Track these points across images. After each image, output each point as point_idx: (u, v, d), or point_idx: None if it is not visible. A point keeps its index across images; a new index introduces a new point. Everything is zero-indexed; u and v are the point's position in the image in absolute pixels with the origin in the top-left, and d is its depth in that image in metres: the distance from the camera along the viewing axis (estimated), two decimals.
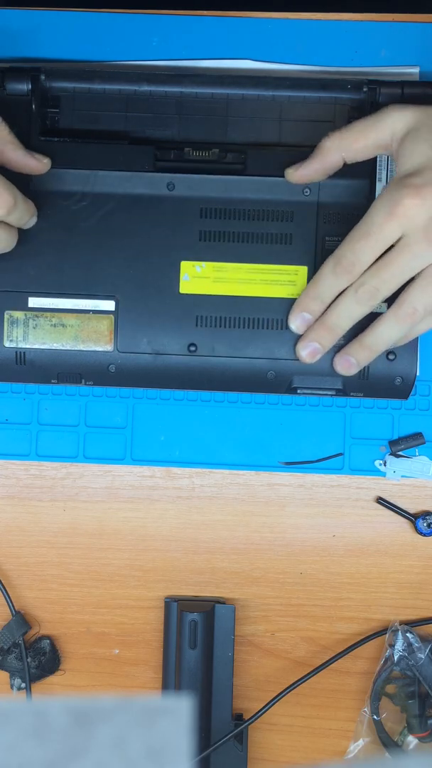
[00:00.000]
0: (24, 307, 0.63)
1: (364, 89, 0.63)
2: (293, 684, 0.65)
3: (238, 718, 0.66)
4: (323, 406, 0.67)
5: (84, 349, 0.63)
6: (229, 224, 0.63)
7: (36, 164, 0.60)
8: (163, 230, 0.63)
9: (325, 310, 0.59)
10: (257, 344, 0.62)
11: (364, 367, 0.62)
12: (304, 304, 0.60)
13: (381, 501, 0.67)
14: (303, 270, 0.62)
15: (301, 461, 0.67)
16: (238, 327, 0.63)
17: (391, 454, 0.67)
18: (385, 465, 0.67)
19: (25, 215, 0.59)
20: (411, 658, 0.65)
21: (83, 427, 0.68)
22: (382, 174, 0.62)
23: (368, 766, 0.34)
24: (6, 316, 0.63)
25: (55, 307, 0.63)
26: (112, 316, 0.63)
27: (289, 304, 0.62)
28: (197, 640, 0.64)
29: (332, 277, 0.57)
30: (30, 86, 0.63)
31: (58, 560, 0.68)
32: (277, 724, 0.67)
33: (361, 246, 0.56)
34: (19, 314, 0.63)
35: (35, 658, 0.67)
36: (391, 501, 0.67)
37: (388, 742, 0.66)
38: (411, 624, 0.66)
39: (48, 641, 0.67)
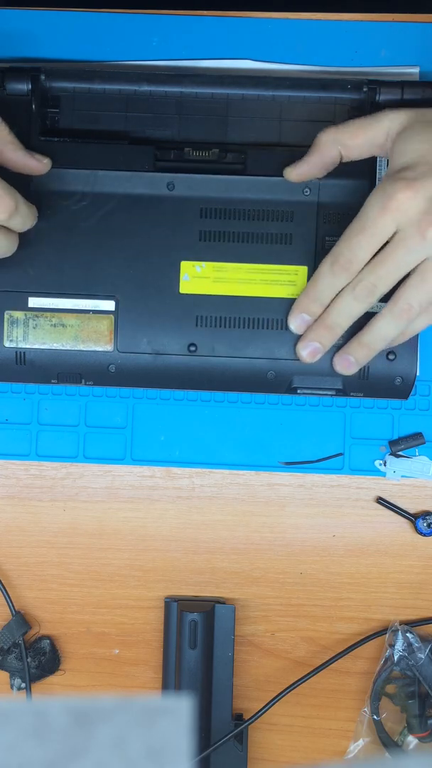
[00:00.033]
0: (24, 307, 0.63)
1: (364, 89, 0.63)
2: (293, 684, 0.65)
3: (238, 718, 0.66)
4: (323, 406, 0.67)
5: (84, 349, 0.63)
6: (229, 224, 0.63)
7: (36, 165, 0.60)
8: (163, 230, 0.63)
9: (325, 309, 0.59)
10: (257, 344, 0.62)
11: (364, 367, 0.62)
12: (303, 305, 0.60)
13: (381, 501, 0.67)
14: (303, 270, 0.62)
15: (301, 461, 0.67)
16: (238, 327, 0.63)
17: (391, 454, 0.67)
18: (385, 465, 0.67)
19: (27, 220, 0.59)
20: (411, 658, 0.65)
21: (83, 427, 0.68)
22: (381, 174, 0.62)
23: (368, 766, 0.34)
24: (6, 316, 0.63)
25: (55, 307, 0.63)
26: (112, 316, 0.63)
27: (289, 304, 0.62)
28: (197, 640, 0.64)
29: (330, 276, 0.57)
30: (30, 86, 0.63)
31: (58, 560, 0.68)
32: (277, 724, 0.67)
33: (357, 242, 0.56)
34: (19, 314, 0.63)
35: (35, 658, 0.67)
36: (391, 501, 0.67)
37: (388, 742, 0.66)
38: (411, 624, 0.66)
39: (48, 641, 0.67)
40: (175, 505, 0.68)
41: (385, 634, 0.66)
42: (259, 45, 0.67)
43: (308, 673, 0.65)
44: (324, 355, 0.61)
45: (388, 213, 0.54)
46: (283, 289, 0.62)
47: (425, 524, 0.67)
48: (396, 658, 0.65)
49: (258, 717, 0.65)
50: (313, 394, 0.64)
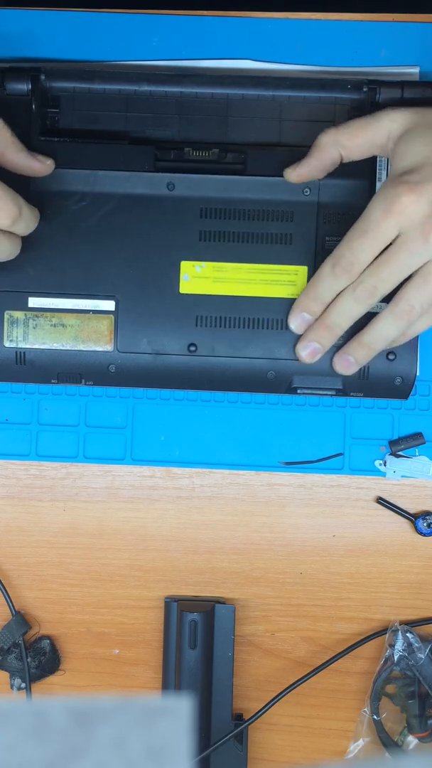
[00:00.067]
0: (24, 307, 0.63)
1: (364, 89, 0.63)
2: (293, 684, 0.65)
3: (238, 718, 0.66)
4: (323, 406, 0.67)
5: (84, 349, 0.63)
6: (229, 224, 0.63)
7: (39, 166, 0.60)
8: (163, 230, 0.63)
9: (325, 310, 0.59)
10: (257, 344, 0.63)
11: (364, 367, 0.62)
12: (303, 305, 0.60)
13: (381, 501, 0.67)
14: (303, 270, 0.62)
15: (301, 461, 0.67)
16: (238, 327, 0.63)
17: (391, 454, 0.67)
18: (385, 465, 0.67)
19: (30, 224, 0.59)
20: (411, 658, 0.65)
21: (83, 427, 0.68)
22: (381, 174, 0.62)
23: (368, 766, 0.34)
24: (6, 316, 0.63)
25: (55, 307, 0.63)
26: (112, 316, 0.63)
27: (289, 304, 0.62)
28: (197, 640, 0.64)
29: (331, 277, 0.57)
30: (30, 86, 0.63)
31: (58, 560, 0.68)
32: (277, 724, 0.67)
33: (359, 244, 0.56)
34: (19, 314, 0.63)
35: (35, 658, 0.67)
36: (391, 501, 0.67)
37: (388, 742, 0.66)
38: (411, 624, 0.66)
39: (48, 641, 0.67)
40: (175, 505, 0.68)
41: (385, 634, 0.66)
42: (259, 45, 0.67)
43: (308, 673, 0.65)
44: (324, 355, 0.61)
45: (391, 216, 0.54)
46: (283, 289, 0.62)
47: (425, 524, 0.67)
48: (396, 658, 0.65)
49: (258, 717, 0.65)
50: (313, 394, 0.64)
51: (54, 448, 0.68)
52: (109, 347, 0.63)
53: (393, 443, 0.67)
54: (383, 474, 0.67)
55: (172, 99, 0.65)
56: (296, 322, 0.60)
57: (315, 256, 0.62)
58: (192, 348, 0.63)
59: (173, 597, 0.67)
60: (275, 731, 0.67)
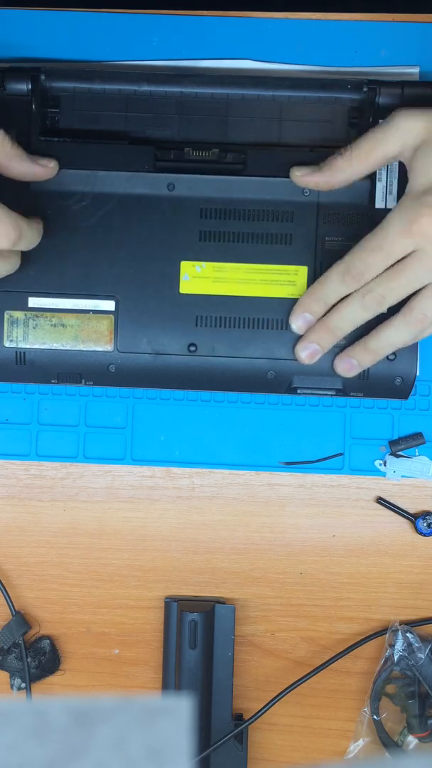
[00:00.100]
0: (24, 307, 0.63)
1: (364, 89, 0.63)
2: (293, 684, 0.65)
3: (238, 718, 0.66)
4: (323, 406, 0.67)
5: (84, 349, 0.63)
6: (229, 224, 0.63)
7: (43, 171, 0.60)
8: (163, 230, 0.63)
9: (328, 311, 0.59)
10: (257, 344, 0.63)
11: None
12: (306, 305, 0.60)
13: (381, 501, 0.67)
14: (303, 270, 0.62)
15: (301, 461, 0.67)
16: (238, 327, 0.63)
17: (391, 454, 0.67)
18: (385, 465, 0.67)
19: (33, 240, 0.59)
20: (411, 658, 0.65)
21: (83, 427, 0.68)
22: (382, 174, 0.62)
23: (368, 766, 0.34)
24: (6, 316, 0.63)
25: (55, 307, 0.63)
26: (112, 316, 0.63)
27: (289, 304, 0.62)
28: (197, 640, 0.64)
29: (339, 283, 0.58)
30: (30, 86, 0.63)
31: (58, 560, 0.68)
32: (277, 724, 0.67)
33: (373, 258, 0.56)
34: (19, 314, 0.63)
35: (35, 658, 0.67)
36: (391, 501, 0.67)
37: (388, 742, 0.66)
38: (411, 624, 0.66)
39: (48, 641, 0.67)
40: (175, 505, 0.68)
41: (385, 634, 0.66)
42: (259, 45, 0.67)
43: (308, 673, 0.65)
44: (324, 356, 0.61)
45: (410, 237, 0.54)
46: (283, 289, 0.63)
47: (425, 524, 0.67)
48: (396, 658, 0.65)
49: (258, 717, 0.65)
50: (313, 394, 0.64)
51: (54, 448, 0.68)
52: (109, 347, 0.63)
53: (393, 443, 0.67)
54: (383, 474, 0.67)
55: (172, 99, 0.64)
56: (298, 323, 0.61)
57: (315, 256, 0.62)
58: (192, 348, 0.63)
59: (173, 597, 0.67)
60: (275, 731, 0.67)
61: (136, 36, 0.67)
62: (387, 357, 0.62)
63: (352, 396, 0.64)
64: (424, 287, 0.56)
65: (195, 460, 0.67)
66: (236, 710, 0.67)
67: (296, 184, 0.61)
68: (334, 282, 0.58)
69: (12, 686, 0.67)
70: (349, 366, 0.60)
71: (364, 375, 0.62)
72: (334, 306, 0.59)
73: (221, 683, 0.65)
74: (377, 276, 0.56)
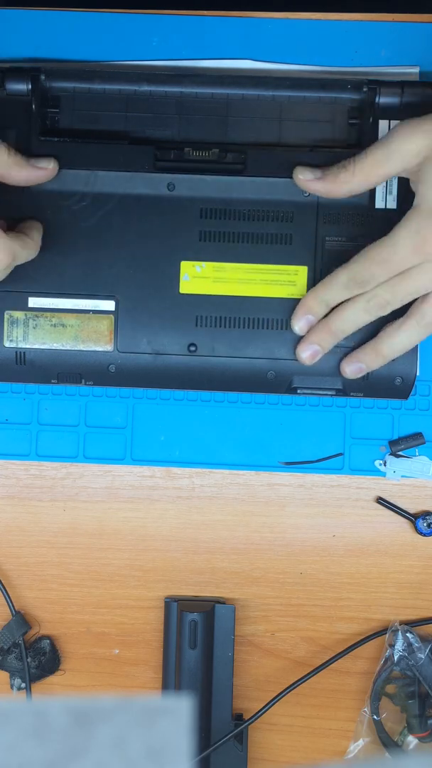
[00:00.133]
0: (24, 307, 0.63)
1: (364, 89, 0.63)
2: (293, 684, 0.65)
3: (238, 718, 0.66)
4: (323, 406, 0.67)
5: (84, 349, 0.63)
6: (229, 224, 0.63)
7: (44, 174, 0.60)
8: (163, 230, 0.63)
9: (330, 312, 0.60)
10: (257, 344, 0.63)
11: None
12: (308, 306, 0.60)
13: (381, 501, 0.67)
14: (303, 270, 0.62)
15: (301, 461, 0.67)
16: (238, 327, 0.63)
17: (391, 454, 0.67)
18: (385, 465, 0.67)
19: (28, 257, 0.59)
20: (411, 658, 0.65)
21: (83, 427, 0.68)
22: None
23: (368, 766, 0.34)
24: (6, 316, 0.63)
25: (55, 307, 0.63)
26: (112, 316, 0.63)
27: (289, 304, 0.62)
28: (197, 640, 0.64)
29: (343, 288, 0.58)
30: (30, 86, 0.63)
31: (58, 560, 0.68)
32: (277, 724, 0.67)
33: (379, 270, 0.56)
34: (19, 314, 0.63)
35: (35, 658, 0.67)
36: (391, 501, 0.67)
37: (388, 742, 0.66)
38: (411, 624, 0.66)
39: (48, 641, 0.67)
40: (175, 505, 0.68)
41: (385, 634, 0.66)
42: (259, 45, 0.67)
43: (308, 673, 0.65)
44: (324, 356, 0.61)
45: (418, 254, 0.54)
46: (283, 289, 0.63)
47: (425, 524, 0.67)
48: (396, 658, 0.65)
49: (258, 717, 0.65)
50: (313, 394, 0.64)
51: (54, 448, 0.68)
52: (109, 347, 0.63)
53: (393, 443, 0.67)
54: (383, 474, 0.67)
55: (172, 99, 0.64)
56: (300, 323, 0.61)
57: (315, 257, 0.62)
58: (192, 348, 0.63)
59: (173, 597, 0.67)
60: (275, 731, 0.67)
61: (136, 36, 0.67)
62: None
63: (352, 396, 0.64)
64: (428, 294, 0.56)
65: (195, 460, 0.67)
66: (236, 710, 0.67)
67: (297, 185, 0.61)
68: (338, 287, 0.58)
69: (12, 686, 0.67)
70: (357, 369, 0.61)
71: (365, 375, 0.62)
72: (336, 307, 0.59)
73: (221, 683, 0.65)
74: (384, 282, 0.56)
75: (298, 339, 0.61)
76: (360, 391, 0.63)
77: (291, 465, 0.67)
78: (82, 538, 0.68)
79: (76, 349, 0.63)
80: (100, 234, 0.63)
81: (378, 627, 0.67)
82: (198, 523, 0.68)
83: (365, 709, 0.66)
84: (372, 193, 0.62)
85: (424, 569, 0.67)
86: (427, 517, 0.67)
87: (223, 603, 0.67)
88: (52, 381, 0.64)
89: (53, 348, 0.63)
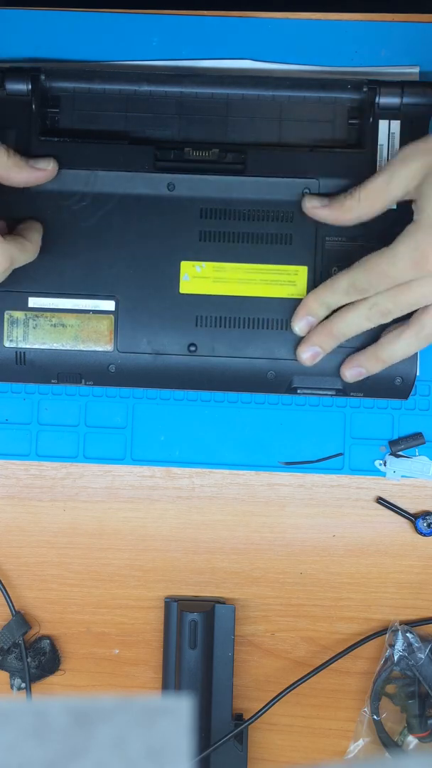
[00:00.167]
0: (24, 307, 0.63)
1: (364, 89, 0.63)
2: (293, 684, 0.65)
3: (238, 718, 0.66)
4: (323, 406, 0.67)
5: (84, 349, 0.63)
6: (229, 224, 0.63)
7: (43, 174, 0.60)
8: (163, 230, 0.63)
9: (331, 314, 0.60)
10: (257, 344, 0.63)
11: None
12: (309, 308, 0.60)
13: (381, 501, 0.67)
14: (303, 270, 0.62)
15: (301, 461, 0.67)
16: (238, 327, 0.63)
17: (391, 454, 0.67)
18: (385, 465, 0.67)
19: (27, 260, 0.59)
20: (411, 658, 0.65)
21: (83, 427, 0.68)
22: None
23: (368, 766, 0.34)
24: (6, 316, 0.63)
25: (55, 307, 0.63)
26: (112, 316, 0.63)
27: (289, 304, 0.62)
28: (197, 640, 0.64)
29: (343, 294, 0.58)
30: (30, 86, 0.63)
31: (58, 560, 0.68)
32: (277, 724, 0.67)
33: (378, 281, 0.56)
34: (19, 314, 0.63)
35: (35, 658, 0.67)
36: (391, 501, 0.67)
37: (388, 742, 0.66)
38: (411, 624, 0.66)
39: (48, 641, 0.67)
40: (175, 505, 0.68)
41: (385, 634, 0.66)
42: (259, 45, 0.67)
43: (308, 673, 0.65)
44: (324, 356, 0.61)
45: (419, 270, 0.54)
46: (283, 289, 0.62)
47: (425, 524, 0.67)
48: (396, 658, 0.65)
49: (258, 717, 0.65)
50: (313, 394, 0.64)
51: (54, 448, 0.68)
52: (109, 347, 0.63)
53: (393, 443, 0.67)
54: (383, 474, 0.67)
55: (172, 99, 0.64)
56: (300, 324, 0.61)
57: (315, 257, 0.62)
58: (192, 348, 0.63)
59: (173, 597, 0.67)
60: (275, 731, 0.67)
61: (136, 36, 0.67)
62: None
63: (352, 396, 0.64)
64: (429, 305, 0.56)
65: (195, 460, 0.67)
66: (236, 710, 0.67)
67: (306, 213, 0.61)
68: (339, 292, 0.58)
69: (12, 686, 0.67)
70: (357, 373, 0.61)
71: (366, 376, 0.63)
72: (338, 310, 0.59)
73: (221, 683, 0.65)
74: (385, 290, 0.56)
75: (299, 339, 0.62)
76: (360, 391, 0.63)
77: (291, 465, 0.67)
78: (82, 538, 0.68)
79: (76, 349, 0.63)
80: (100, 234, 0.63)
81: (378, 627, 0.67)
82: (198, 523, 0.68)
83: (365, 709, 0.66)
84: None
85: (424, 569, 0.67)
86: (427, 517, 0.67)
87: (223, 603, 0.67)
88: (52, 381, 0.64)
89: (53, 348, 0.63)
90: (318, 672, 0.65)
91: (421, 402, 0.67)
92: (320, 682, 0.66)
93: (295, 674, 0.66)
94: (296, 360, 0.62)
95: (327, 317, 0.60)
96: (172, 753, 0.26)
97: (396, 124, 0.63)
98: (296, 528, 0.67)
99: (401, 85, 0.63)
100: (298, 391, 0.63)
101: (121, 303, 0.63)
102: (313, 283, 0.62)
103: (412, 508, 0.67)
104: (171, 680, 0.65)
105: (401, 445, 0.67)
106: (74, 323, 0.63)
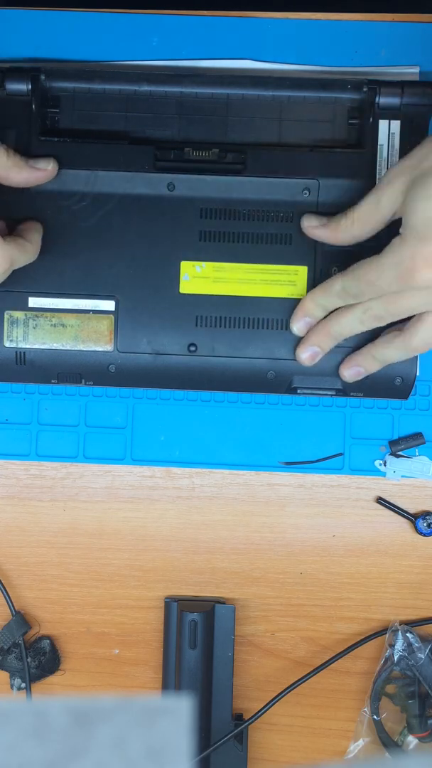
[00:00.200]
0: (24, 307, 0.63)
1: (364, 89, 0.63)
2: (293, 684, 0.65)
3: (238, 718, 0.66)
4: (323, 406, 0.67)
5: (84, 349, 0.63)
6: (229, 224, 0.63)
7: (43, 175, 0.60)
8: (163, 230, 0.63)
9: (330, 314, 0.60)
10: (257, 344, 0.63)
11: None
12: (306, 309, 0.60)
13: (381, 501, 0.67)
14: (303, 270, 0.62)
15: (301, 461, 0.67)
16: (238, 327, 0.63)
17: (391, 454, 0.67)
18: (385, 465, 0.67)
19: (27, 261, 0.59)
20: (411, 658, 0.65)
21: (83, 427, 0.68)
22: (382, 174, 0.62)
23: (368, 766, 0.34)
24: (6, 316, 0.63)
25: (55, 307, 0.63)
26: (112, 316, 0.63)
27: (289, 304, 0.62)
28: (197, 640, 0.64)
29: (338, 297, 0.58)
30: (30, 86, 0.63)
31: (58, 560, 0.68)
32: (277, 724, 0.67)
33: (368, 290, 0.56)
34: (19, 314, 0.63)
35: (35, 658, 0.67)
36: (391, 501, 0.67)
37: (388, 742, 0.66)
38: (411, 624, 0.66)
39: (48, 641, 0.67)
40: (175, 505, 0.68)
41: (385, 634, 0.66)
42: (259, 45, 0.67)
43: (308, 673, 0.65)
44: (324, 356, 0.61)
45: (402, 282, 0.53)
46: (283, 289, 0.63)
47: (425, 524, 0.67)
48: (396, 658, 0.65)
49: (258, 717, 0.65)
50: (313, 394, 0.64)
51: (54, 448, 0.68)
52: (109, 347, 0.63)
53: (393, 443, 0.67)
54: (383, 474, 0.67)
55: (172, 99, 0.64)
56: (298, 325, 0.61)
57: (315, 256, 0.62)
58: (192, 348, 0.63)
59: (173, 597, 0.67)
60: (275, 731, 0.67)
61: (136, 36, 0.67)
62: None
63: (352, 396, 0.64)
64: (423, 312, 0.56)
65: (195, 460, 0.67)
66: (236, 710, 0.67)
67: (304, 231, 0.61)
68: (333, 295, 0.58)
69: (12, 686, 0.67)
70: (356, 373, 0.61)
71: (365, 375, 0.63)
72: (336, 310, 0.60)
73: (221, 683, 0.65)
74: (380, 297, 0.56)
75: (298, 339, 0.62)
76: (360, 391, 0.63)
77: (291, 465, 0.67)
78: (82, 538, 0.68)
79: (76, 349, 0.63)
80: (100, 234, 0.63)
81: (378, 627, 0.67)
82: (198, 523, 0.68)
83: (365, 709, 0.66)
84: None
85: (424, 569, 0.67)
86: (427, 517, 0.67)
87: (223, 603, 0.67)
88: (52, 381, 0.64)
89: (53, 348, 0.63)
90: (318, 672, 0.65)
91: (421, 402, 0.67)
92: (320, 682, 0.67)
93: (295, 674, 0.66)
94: (296, 360, 0.62)
95: (326, 317, 0.61)
96: (172, 753, 0.26)
97: (396, 124, 0.63)
98: (296, 528, 0.67)
99: (401, 85, 0.63)
100: (298, 391, 0.63)
101: (121, 303, 0.63)
102: (313, 283, 0.62)
103: (412, 508, 0.67)
104: (171, 680, 0.65)
105: (401, 445, 0.67)
106: (74, 323, 0.63)
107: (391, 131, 0.63)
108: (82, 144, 0.63)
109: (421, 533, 0.67)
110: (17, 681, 0.67)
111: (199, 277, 0.63)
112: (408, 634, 0.65)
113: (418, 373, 0.64)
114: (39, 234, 0.61)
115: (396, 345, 0.59)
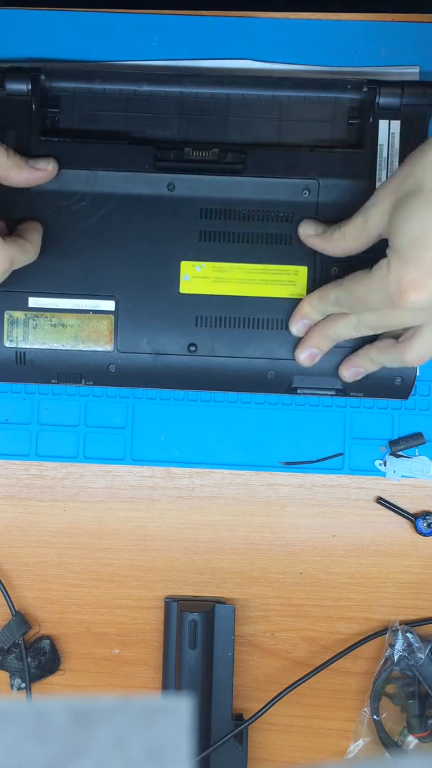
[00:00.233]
0: (24, 307, 0.63)
1: (364, 89, 0.63)
2: (293, 684, 0.65)
3: (238, 718, 0.66)
4: (323, 406, 0.67)
5: (84, 349, 0.63)
6: (229, 224, 0.63)
7: (43, 175, 0.60)
8: (163, 230, 0.63)
9: (327, 317, 0.60)
10: (257, 344, 0.63)
11: None
12: (304, 312, 0.61)
13: (381, 501, 0.67)
14: (303, 270, 0.62)
15: (301, 461, 0.67)
16: (238, 327, 0.63)
17: (391, 454, 0.67)
18: (385, 465, 0.67)
19: (27, 261, 0.59)
20: (411, 658, 0.65)
21: (83, 427, 0.68)
22: (382, 174, 0.62)
23: (368, 766, 0.34)
24: (6, 316, 0.63)
25: (55, 307, 0.63)
26: (112, 316, 0.63)
27: (289, 304, 0.62)
28: (197, 640, 0.64)
29: (333, 304, 0.58)
30: (30, 86, 0.63)
31: (58, 560, 0.68)
32: (277, 724, 0.67)
33: (358, 305, 0.56)
34: (19, 314, 0.63)
35: (35, 658, 0.67)
36: (391, 501, 0.67)
37: (388, 742, 0.66)
38: (411, 624, 0.66)
39: (48, 641, 0.67)
40: (175, 505, 0.68)
41: (385, 634, 0.66)
42: (259, 45, 0.67)
43: (308, 673, 0.65)
44: (324, 356, 0.61)
45: (391, 303, 0.53)
46: (283, 289, 0.63)
47: (425, 524, 0.67)
48: (396, 658, 0.65)
49: (258, 717, 0.65)
50: (313, 394, 0.64)
51: (54, 448, 0.68)
52: (109, 347, 0.63)
53: (393, 443, 0.67)
54: (383, 474, 0.67)
55: (172, 99, 0.64)
56: (297, 326, 0.62)
57: (315, 257, 0.62)
58: (192, 348, 0.63)
59: (173, 597, 0.67)
60: (275, 731, 0.67)
61: (136, 36, 0.67)
62: None
63: (352, 396, 0.64)
64: (419, 326, 0.56)
65: (195, 460, 0.67)
66: (236, 710, 0.67)
67: (300, 238, 0.61)
68: (328, 302, 0.59)
69: (12, 686, 0.67)
70: (355, 373, 0.62)
71: (365, 375, 0.63)
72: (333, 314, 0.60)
73: (221, 683, 0.65)
74: (370, 310, 0.56)
75: (298, 340, 0.62)
76: (360, 391, 0.63)
77: (291, 465, 0.67)
78: (82, 538, 0.68)
79: (76, 349, 0.63)
80: (100, 234, 0.63)
81: (378, 627, 0.67)
82: (198, 523, 0.68)
83: (365, 709, 0.66)
84: (371, 193, 0.62)
85: (424, 569, 0.67)
86: (427, 517, 0.67)
87: (223, 603, 0.67)
88: (52, 381, 0.64)
89: (53, 348, 0.63)
90: (318, 672, 0.65)
91: (421, 402, 0.67)
92: (320, 682, 0.67)
93: (295, 674, 0.66)
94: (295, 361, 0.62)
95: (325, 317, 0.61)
96: (172, 753, 0.26)
97: (396, 124, 0.63)
98: (296, 528, 0.67)
99: (401, 85, 0.63)
100: (298, 391, 0.63)
101: (121, 303, 0.63)
102: (313, 282, 0.62)
103: (412, 508, 0.67)
104: (171, 680, 0.65)
105: (401, 445, 0.67)
106: (74, 323, 0.63)
107: (391, 131, 0.63)
108: (82, 144, 0.63)
109: (421, 533, 0.67)
110: (17, 681, 0.67)
111: (199, 277, 0.63)
112: (408, 634, 0.65)
113: (418, 373, 0.64)
114: (39, 234, 0.61)
115: (392, 355, 0.59)
